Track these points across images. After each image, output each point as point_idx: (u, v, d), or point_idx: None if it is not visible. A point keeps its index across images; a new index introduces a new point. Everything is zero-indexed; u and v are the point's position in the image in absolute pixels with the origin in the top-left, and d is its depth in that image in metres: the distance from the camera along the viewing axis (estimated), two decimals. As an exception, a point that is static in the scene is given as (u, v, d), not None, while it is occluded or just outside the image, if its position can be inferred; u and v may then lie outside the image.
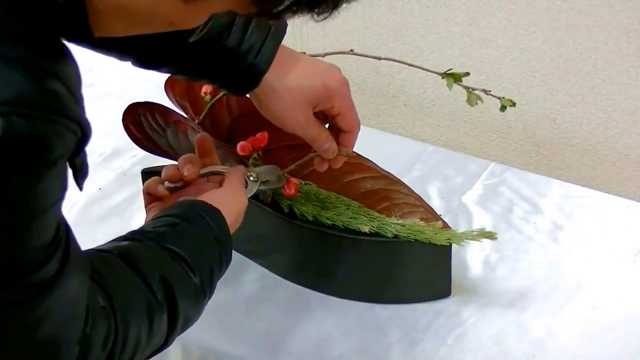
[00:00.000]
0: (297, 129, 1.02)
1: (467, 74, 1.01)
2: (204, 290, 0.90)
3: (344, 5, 0.75)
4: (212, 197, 0.96)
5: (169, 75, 1.20)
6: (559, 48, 1.39)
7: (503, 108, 1.01)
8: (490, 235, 1.10)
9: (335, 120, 1.04)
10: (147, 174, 1.23)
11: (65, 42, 0.72)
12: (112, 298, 0.80)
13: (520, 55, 1.43)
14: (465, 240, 1.09)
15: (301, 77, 1.01)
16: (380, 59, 1.08)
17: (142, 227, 0.93)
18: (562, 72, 1.41)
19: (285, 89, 1.00)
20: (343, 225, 1.11)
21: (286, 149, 1.16)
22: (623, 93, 1.37)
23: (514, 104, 1.00)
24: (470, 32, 1.45)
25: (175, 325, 0.87)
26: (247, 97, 1.19)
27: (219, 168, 1.03)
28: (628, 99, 1.38)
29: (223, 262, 0.93)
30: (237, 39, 0.97)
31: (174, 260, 0.88)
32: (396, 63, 1.08)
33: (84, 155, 0.72)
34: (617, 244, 1.21)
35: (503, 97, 1.00)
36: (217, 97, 1.15)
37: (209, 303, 1.14)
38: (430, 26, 1.48)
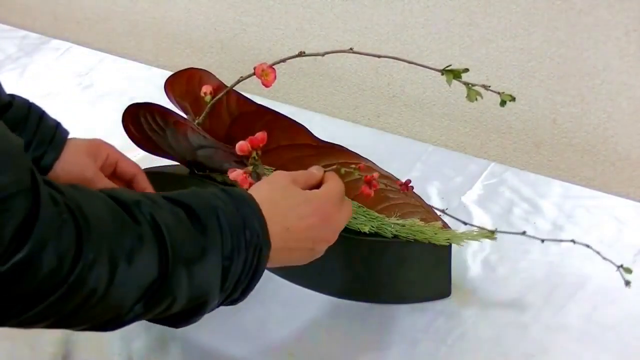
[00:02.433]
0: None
1: (467, 70, 1.00)
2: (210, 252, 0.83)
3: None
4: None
5: (169, 75, 1.20)
6: (559, 48, 1.39)
7: (503, 103, 1.00)
8: (490, 235, 1.10)
9: (117, 167, 1.14)
10: (147, 174, 1.23)
11: None
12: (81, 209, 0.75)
13: (520, 55, 1.43)
14: (465, 240, 1.09)
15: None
16: (379, 56, 1.07)
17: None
18: (562, 72, 1.41)
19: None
20: (343, 225, 1.11)
21: (285, 149, 1.16)
22: (623, 93, 1.37)
23: (513, 99, 1.00)
24: (470, 32, 1.45)
25: (168, 268, 0.79)
26: (247, 97, 1.19)
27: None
28: (628, 99, 1.38)
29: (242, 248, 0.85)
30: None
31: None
32: (396, 63, 1.08)
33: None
34: (617, 244, 1.21)
35: (503, 92, 0.99)
36: (217, 97, 1.15)
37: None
38: (430, 26, 1.48)
